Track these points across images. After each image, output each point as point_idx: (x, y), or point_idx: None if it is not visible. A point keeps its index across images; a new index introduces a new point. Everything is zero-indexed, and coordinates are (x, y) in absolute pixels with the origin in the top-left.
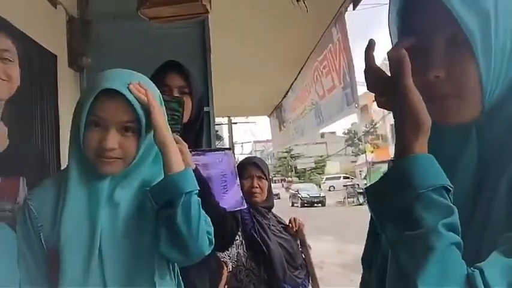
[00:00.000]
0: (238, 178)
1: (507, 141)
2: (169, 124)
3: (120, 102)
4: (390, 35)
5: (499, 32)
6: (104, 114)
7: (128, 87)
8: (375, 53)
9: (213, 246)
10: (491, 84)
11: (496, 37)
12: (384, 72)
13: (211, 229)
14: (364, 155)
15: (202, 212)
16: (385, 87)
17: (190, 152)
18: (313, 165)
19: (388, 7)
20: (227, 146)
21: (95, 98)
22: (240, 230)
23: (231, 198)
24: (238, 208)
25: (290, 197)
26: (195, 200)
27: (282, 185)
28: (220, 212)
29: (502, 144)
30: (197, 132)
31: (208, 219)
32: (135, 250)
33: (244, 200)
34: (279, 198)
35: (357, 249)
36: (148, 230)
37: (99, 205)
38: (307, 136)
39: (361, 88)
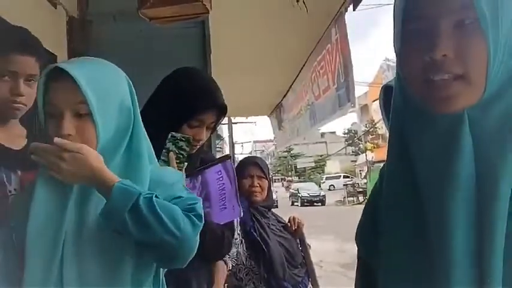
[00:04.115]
0: (236, 185)
1: (505, 135)
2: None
3: (68, 83)
4: (394, 22)
5: (504, 17)
6: (55, 100)
7: (77, 68)
8: (375, 54)
9: (202, 221)
10: (496, 67)
11: (502, 20)
12: None
13: (193, 205)
14: (364, 154)
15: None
16: None
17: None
18: (313, 164)
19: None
20: (208, 147)
21: (49, 88)
22: (239, 228)
23: (229, 210)
24: (234, 219)
25: (290, 196)
26: (144, 206)
27: (282, 184)
28: (216, 235)
29: (499, 138)
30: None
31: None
32: (104, 253)
33: (241, 207)
34: (276, 206)
35: (357, 248)
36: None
37: (66, 203)
38: (301, 137)
39: (362, 88)
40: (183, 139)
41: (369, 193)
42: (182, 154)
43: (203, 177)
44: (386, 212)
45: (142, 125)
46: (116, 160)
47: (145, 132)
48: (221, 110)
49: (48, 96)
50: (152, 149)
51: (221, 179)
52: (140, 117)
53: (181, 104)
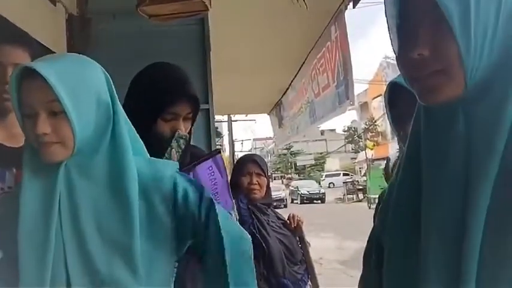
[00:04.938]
0: (227, 179)
1: (496, 124)
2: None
3: (39, 82)
4: (387, 23)
5: (480, 14)
6: (29, 99)
7: (47, 66)
8: (374, 51)
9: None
10: (473, 62)
11: (476, 18)
12: None
13: (209, 213)
14: (363, 152)
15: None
16: None
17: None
18: (313, 162)
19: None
20: (206, 143)
21: (22, 88)
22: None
23: (222, 204)
24: (229, 211)
25: (290, 193)
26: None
27: (282, 181)
28: None
29: (491, 126)
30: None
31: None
32: (107, 237)
33: (233, 200)
34: (286, 206)
35: (356, 245)
36: (123, 229)
37: (53, 200)
38: (301, 134)
39: (362, 86)
40: (183, 137)
41: (368, 190)
42: (179, 152)
43: (195, 173)
44: (394, 209)
45: (126, 118)
46: (99, 156)
47: (130, 125)
48: (194, 100)
49: (21, 97)
50: (140, 141)
51: (212, 174)
52: (122, 110)
53: (151, 99)
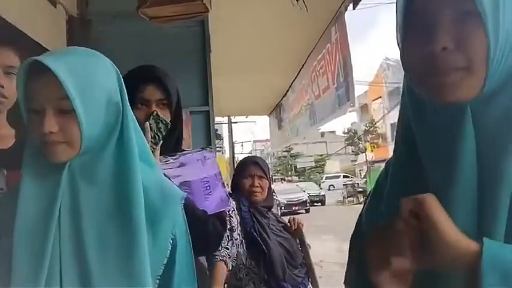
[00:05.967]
0: (221, 177)
1: (505, 129)
2: (149, 143)
3: (49, 77)
4: (396, 14)
5: (506, 9)
6: (37, 95)
7: (58, 61)
8: (374, 53)
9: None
10: (497, 60)
11: (503, 13)
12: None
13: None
14: (364, 154)
15: None
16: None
17: (164, 159)
18: (313, 164)
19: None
20: (206, 146)
21: (30, 82)
22: (239, 229)
23: (214, 200)
24: (223, 209)
25: None
26: None
27: (282, 184)
28: (198, 216)
29: (499, 132)
30: (177, 138)
31: None
32: (107, 244)
33: (230, 199)
34: (308, 211)
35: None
36: (122, 233)
37: (54, 201)
38: (301, 136)
39: (362, 87)
40: (164, 122)
41: (368, 192)
42: (158, 136)
43: (180, 161)
44: (388, 201)
45: (135, 119)
46: (105, 157)
47: (138, 127)
48: (160, 84)
49: (29, 92)
50: (142, 136)
51: (201, 169)
52: (131, 111)
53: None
